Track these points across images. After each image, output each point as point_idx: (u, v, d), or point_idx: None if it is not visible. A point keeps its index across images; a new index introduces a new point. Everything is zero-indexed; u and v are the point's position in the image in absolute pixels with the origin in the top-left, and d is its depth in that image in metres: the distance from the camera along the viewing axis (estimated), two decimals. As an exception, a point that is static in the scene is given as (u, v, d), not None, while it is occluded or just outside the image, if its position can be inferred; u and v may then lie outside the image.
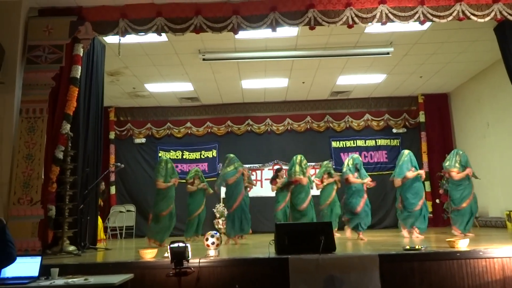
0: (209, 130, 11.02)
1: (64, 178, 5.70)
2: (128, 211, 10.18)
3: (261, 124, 11.01)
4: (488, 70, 9.02)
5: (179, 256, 4.04)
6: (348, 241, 6.84)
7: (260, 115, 11.06)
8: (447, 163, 7.19)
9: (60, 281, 3.73)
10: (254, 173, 10.71)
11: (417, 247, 4.65)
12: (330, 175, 8.43)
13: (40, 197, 5.44)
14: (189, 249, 4.17)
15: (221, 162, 10.71)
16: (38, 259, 3.96)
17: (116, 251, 6.54)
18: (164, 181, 6.96)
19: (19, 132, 5.62)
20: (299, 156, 7.64)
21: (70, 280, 3.74)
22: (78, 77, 5.99)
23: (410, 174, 6.90)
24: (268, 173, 10.83)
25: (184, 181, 8.56)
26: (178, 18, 6.02)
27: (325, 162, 8.87)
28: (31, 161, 5.54)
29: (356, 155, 7.48)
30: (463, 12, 5.91)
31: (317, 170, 9.18)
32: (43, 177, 5.54)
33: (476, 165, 7.24)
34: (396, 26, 6.57)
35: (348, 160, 7.39)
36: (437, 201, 9.79)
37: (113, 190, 10.45)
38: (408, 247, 4.72)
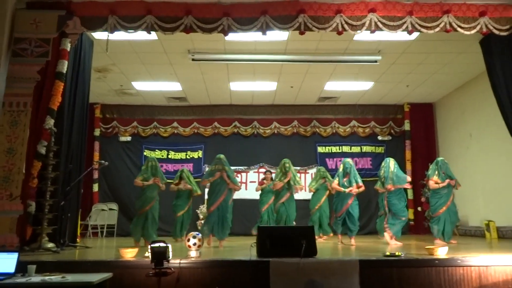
0: (195, 131, 10.99)
1: (45, 174, 5.62)
2: (110, 209, 10.06)
3: (248, 127, 11.02)
4: (473, 82, 9.19)
5: (159, 256, 4.01)
6: (331, 245, 6.88)
7: (248, 117, 11.07)
8: (429, 172, 7.32)
9: (37, 278, 3.66)
10: (239, 175, 10.69)
11: (397, 253, 4.70)
12: (326, 180, 8.65)
13: (20, 192, 5.35)
14: (170, 249, 4.14)
15: (206, 163, 10.71)
16: (15, 256, 3.89)
17: (96, 249, 6.46)
18: (143, 180, 6.97)
19: (1, 125, 5.52)
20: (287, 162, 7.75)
21: (47, 278, 3.67)
22: (64, 72, 5.92)
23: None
24: (253, 175, 10.84)
25: (171, 181, 8.54)
26: (168, 17, 6.00)
27: (321, 168, 9.08)
28: (12, 155, 5.45)
29: (346, 160, 7.39)
30: (450, 24, 6.03)
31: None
32: (24, 172, 5.45)
33: (458, 175, 7.35)
34: (385, 35, 6.67)
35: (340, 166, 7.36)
36: (419, 208, 9.93)
37: (95, 187, 10.33)
38: (388, 253, 4.76)
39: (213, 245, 6.70)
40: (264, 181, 8.39)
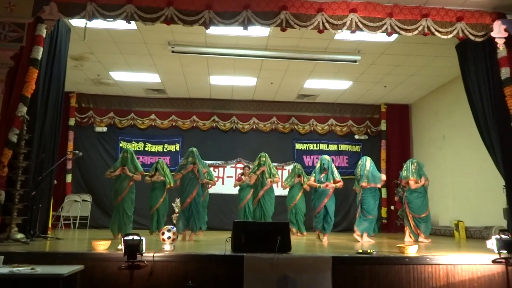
0: (173, 124, 10.89)
1: (16, 163, 5.46)
2: (83, 200, 9.88)
3: (226, 122, 10.99)
4: (447, 85, 9.42)
5: (132, 249, 3.96)
6: (306, 242, 6.95)
7: (227, 112, 11.04)
8: (404, 173, 7.45)
9: (5, 270, 3.57)
10: (216, 170, 10.67)
11: (369, 251, 4.79)
12: (301, 177, 8.72)
13: (-11, 181, 5.19)
14: (144, 242, 4.10)
15: (183, 157, 10.60)
16: (-18, 246, 3.78)
17: (68, 241, 6.33)
18: (112, 172, 7.01)
19: (-29, 111, 5.34)
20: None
21: (15, 269, 3.59)
22: (39, 58, 5.75)
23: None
24: (230, 170, 10.83)
25: (147, 174, 8.43)
26: (149, 8, 5.90)
27: (297, 165, 9.12)
28: (-18, 142, 5.27)
29: (323, 156, 7.38)
30: (428, 27, 6.16)
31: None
32: (-7, 160, 5.29)
33: (430, 175, 7.54)
34: (365, 36, 6.75)
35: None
36: (392, 207, 10.12)
37: (69, 178, 10.12)
38: (361, 250, 4.85)
39: (188, 239, 6.68)
40: (242, 177, 8.39)
